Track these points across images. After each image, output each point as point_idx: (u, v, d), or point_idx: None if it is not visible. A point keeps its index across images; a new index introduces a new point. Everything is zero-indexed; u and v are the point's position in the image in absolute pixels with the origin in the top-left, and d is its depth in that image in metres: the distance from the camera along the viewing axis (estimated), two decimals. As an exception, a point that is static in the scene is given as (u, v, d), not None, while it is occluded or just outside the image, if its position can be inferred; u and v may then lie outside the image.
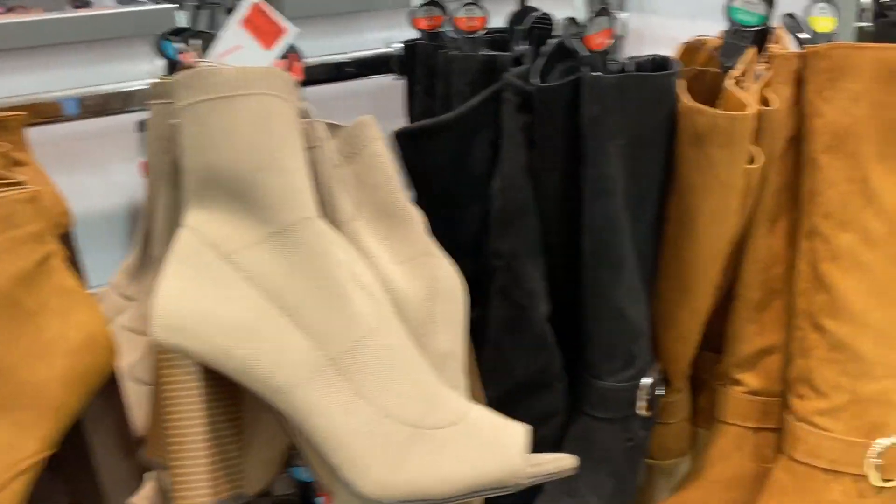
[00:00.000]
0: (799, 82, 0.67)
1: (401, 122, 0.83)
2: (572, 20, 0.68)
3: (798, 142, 0.69)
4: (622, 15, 1.04)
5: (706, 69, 0.76)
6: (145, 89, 0.61)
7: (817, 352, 0.68)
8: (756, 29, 0.72)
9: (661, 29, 1.02)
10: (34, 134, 0.68)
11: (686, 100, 0.66)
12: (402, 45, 0.89)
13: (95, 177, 0.89)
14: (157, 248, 0.53)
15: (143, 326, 0.53)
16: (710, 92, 0.73)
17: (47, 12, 0.91)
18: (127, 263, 0.67)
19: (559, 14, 0.87)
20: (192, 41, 0.54)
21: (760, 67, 0.70)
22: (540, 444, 0.73)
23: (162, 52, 0.72)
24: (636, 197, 0.67)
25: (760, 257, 0.72)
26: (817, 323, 0.68)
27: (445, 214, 0.75)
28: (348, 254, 0.47)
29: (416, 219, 0.56)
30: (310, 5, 0.96)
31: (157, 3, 0.90)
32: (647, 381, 0.73)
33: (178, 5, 0.70)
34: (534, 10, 0.73)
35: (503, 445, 0.41)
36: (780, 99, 0.67)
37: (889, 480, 0.68)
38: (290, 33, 0.47)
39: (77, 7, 0.97)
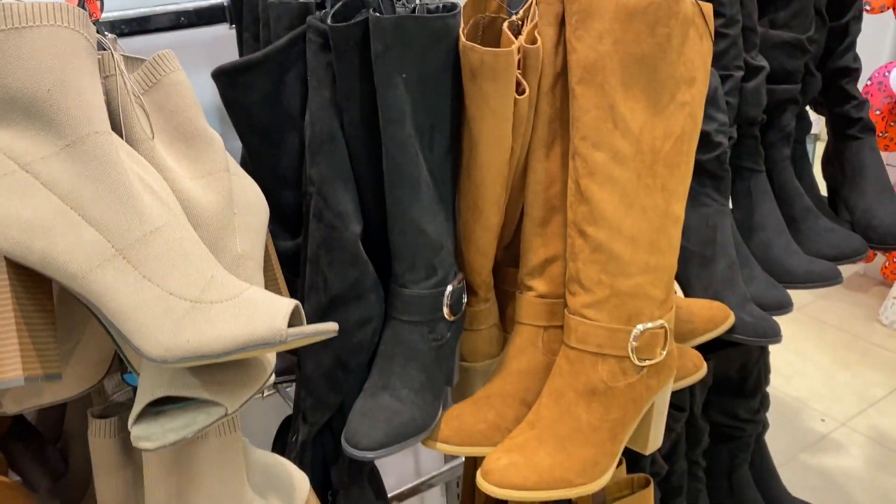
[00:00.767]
0: (561, 24, 0.78)
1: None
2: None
3: (565, 76, 0.80)
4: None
5: (498, 16, 0.87)
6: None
7: (582, 255, 0.80)
8: (536, -21, 0.83)
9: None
10: None
11: (463, 40, 0.76)
12: (229, -5, 0.95)
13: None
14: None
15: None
16: (500, 35, 0.83)
17: None
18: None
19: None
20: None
21: (534, 12, 0.81)
22: (358, 347, 0.84)
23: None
24: (427, 125, 0.77)
25: (540, 179, 0.84)
26: (581, 230, 0.80)
27: (267, 148, 0.83)
28: (141, 166, 0.55)
29: (215, 140, 0.64)
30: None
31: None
32: (449, 289, 0.84)
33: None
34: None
35: (269, 314, 0.50)
36: (546, 38, 0.78)
37: (646, 360, 0.82)
38: (80, -26, 0.54)
39: None
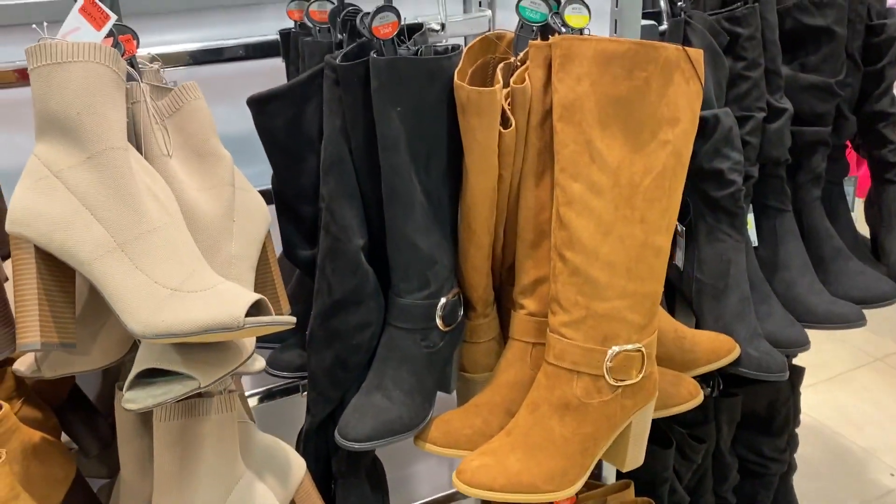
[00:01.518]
0: (549, 66, 0.85)
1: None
2: (366, 14, 0.87)
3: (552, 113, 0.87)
4: (487, 12, 1.21)
5: (505, 57, 0.95)
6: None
7: (562, 276, 0.87)
8: (540, 24, 0.91)
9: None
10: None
11: (457, 79, 0.84)
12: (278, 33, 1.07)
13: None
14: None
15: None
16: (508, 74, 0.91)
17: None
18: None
19: (427, 10, 1.06)
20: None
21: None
22: (357, 348, 0.93)
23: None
24: (423, 152, 0.86)
25: (531, 205, 0.91)
26: (561, 254, 0.86)
27: (289, 166, 0.94)
28: (151, 177, 0.67)
29: (225, 158, 0.75)
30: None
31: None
32: (442, 301, 0.92)
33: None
34: (350, 5, 0.91)
35: (232, 303, 0.60)
36: (535, 79, 0.86)
37: (621, 380, 0.87)
38: (113, 19, 0.67)
39: None
